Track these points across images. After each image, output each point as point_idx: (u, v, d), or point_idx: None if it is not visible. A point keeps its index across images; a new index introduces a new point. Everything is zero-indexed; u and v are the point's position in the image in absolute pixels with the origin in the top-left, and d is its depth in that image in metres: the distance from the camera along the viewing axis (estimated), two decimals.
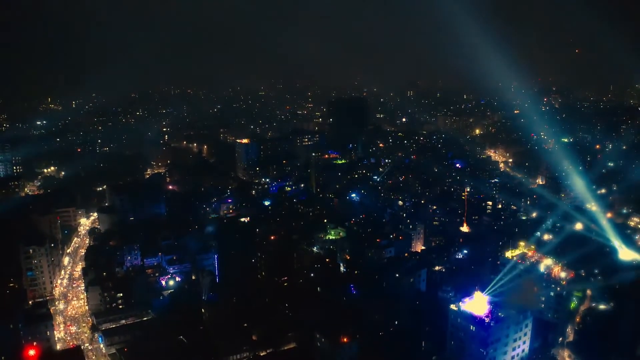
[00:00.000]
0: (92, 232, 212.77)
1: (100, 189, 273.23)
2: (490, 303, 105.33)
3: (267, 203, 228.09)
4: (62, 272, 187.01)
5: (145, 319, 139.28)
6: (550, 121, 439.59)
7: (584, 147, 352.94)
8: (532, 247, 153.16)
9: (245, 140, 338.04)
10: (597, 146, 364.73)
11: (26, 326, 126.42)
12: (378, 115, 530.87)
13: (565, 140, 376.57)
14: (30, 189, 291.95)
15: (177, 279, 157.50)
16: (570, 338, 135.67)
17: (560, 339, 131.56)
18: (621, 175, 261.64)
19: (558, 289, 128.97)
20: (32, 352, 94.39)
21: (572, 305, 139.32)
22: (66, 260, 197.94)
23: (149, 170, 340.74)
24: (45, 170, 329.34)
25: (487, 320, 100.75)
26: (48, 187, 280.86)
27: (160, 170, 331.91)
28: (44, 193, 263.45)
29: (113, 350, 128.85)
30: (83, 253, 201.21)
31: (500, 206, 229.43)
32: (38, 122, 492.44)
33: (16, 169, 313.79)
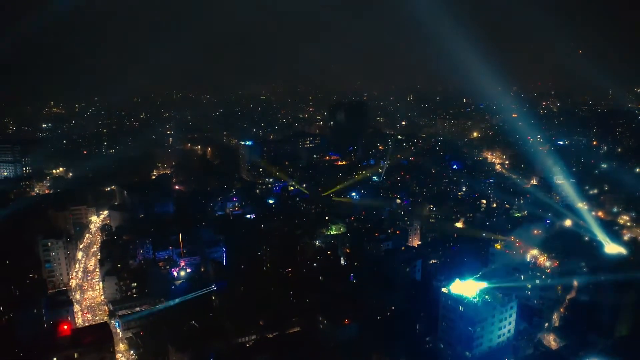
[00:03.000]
0: (103, 228, 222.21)
1: (109, 188, 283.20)
2: (478, 287, 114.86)
3: (270, 201, 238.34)
4: (77, 265, 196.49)
5: (159, 306, 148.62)
6: (548, 124, 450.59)
7: (579, 149, 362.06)
8: (521, 239, 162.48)
9: (248, 142, 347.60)
10: (594, 143, 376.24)
11: (49, 311, 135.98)
12: (378, 119, 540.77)
13: (561, 143, 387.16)
14: (40, 189, 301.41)
15: (188, 270, 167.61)
16: (557, 324, 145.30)
17: (547, 324, 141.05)
18: (613, 176, 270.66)
19: (543, 276, 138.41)
20: (65, 327, 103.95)
21: (559, 294, 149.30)
22: (79, 254, 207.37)
23: (155, 171, 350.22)
24: (54, 171, 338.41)
25: (474, 301, 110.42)
26: (58, 187, 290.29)
27: (166, 172, 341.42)
28: (56, 192, 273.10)
29: (129, 335, 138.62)
30: (95, 248, 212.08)
31: (495, 205, 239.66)
32: (44, 125, 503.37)
33: (26, 170, 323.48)
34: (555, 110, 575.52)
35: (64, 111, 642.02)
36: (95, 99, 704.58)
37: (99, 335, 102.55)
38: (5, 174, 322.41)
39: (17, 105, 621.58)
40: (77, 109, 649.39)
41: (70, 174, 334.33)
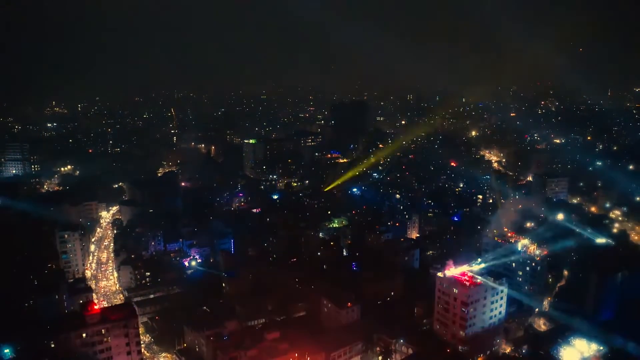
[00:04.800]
0: (114, 223, 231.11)
1: (116, 185, 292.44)
2: (471, 272, 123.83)
3: (275, 197, 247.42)
4: (91, 257, 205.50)
5: (172, 293, 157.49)
6: (546, 123, 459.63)
7: (575, 147, 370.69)
8: (514, 230, 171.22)
9: (252, 141, 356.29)
10: (589, 138, 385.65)
11: (70, 297, 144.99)
12: (378, 118, 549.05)
13: (558, 141, 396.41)
14: (49, 186, 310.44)
15: (198, 260, 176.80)
16: (547, 310, 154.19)
17: (537, 309, 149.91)
18: (607, 173, 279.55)
19: (533, 264, 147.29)
20: (96, 307, 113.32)
21: (549, 281, 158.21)
22: (92, 247, 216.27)
23: (160, 169, 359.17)
24: (61, 169, 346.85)
25: (467, 284, 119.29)
26: (67, 184, 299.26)
27: (171, 169, 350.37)
28: (66, 189, 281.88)
29: (145, 319, 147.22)
30: (107, 242, 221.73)
31: (491, 200, 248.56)
32: (49, 125, 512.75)
33: (34, 168, 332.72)
34: (553, 109, 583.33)
35: (66, 111, 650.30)
36: (97, 98, 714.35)
37: (125, 313, 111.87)
38: (14, 171, 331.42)
39: (18, 105, 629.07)
40: (79, 109, 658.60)
41: (78, 171, 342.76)
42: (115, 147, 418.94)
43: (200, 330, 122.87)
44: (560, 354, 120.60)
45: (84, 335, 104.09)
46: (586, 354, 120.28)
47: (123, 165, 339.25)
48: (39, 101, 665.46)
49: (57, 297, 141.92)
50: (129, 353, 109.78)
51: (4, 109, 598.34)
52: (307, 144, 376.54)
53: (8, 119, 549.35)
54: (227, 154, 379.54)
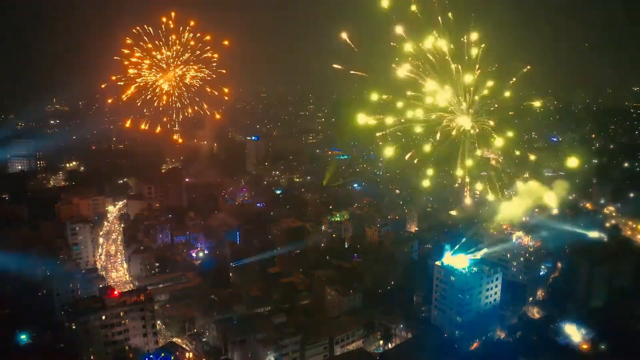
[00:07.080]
0: (121, 217, 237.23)
1: (121, 181, 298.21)
2: (467, 260, 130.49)
3: (278, 192, 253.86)
4: (100, 249, 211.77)
5: (181, 282, 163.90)
6: (544, 122, 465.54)
7: (571, 146, 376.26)
8: (509, 224, 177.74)
9: (254, 138, 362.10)
10: (591, 136, 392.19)
11: (84, 285, 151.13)
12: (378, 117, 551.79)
13: (555, 139, 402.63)
14: (55, 181, 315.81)
15: (205, 251, 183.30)
16: (540, 299, 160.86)
17: (531, 298, 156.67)
18: (603, 170, 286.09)
19: (527, 255, 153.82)
20: (116, 293, 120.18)
21: (544, 272, 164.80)
22: (100, 240, 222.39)
23: (164, 165, 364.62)
24: (67, 164, 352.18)
25: (464, 272, 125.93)
26: (73, 179, 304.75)
27: (175, 166, 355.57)
28: (71, 184, 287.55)
29: (156, 307, 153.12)
30: (115, 235, 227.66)
31: (487, 196, 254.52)
32: (52, 122, 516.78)
33: (40, 164, 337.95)
34: (551, 108, 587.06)
35: (67, 108, 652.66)
36: (97, 96, 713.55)
37: (141, 297, 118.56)
38: (20, 167, 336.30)
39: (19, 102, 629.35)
40: (80, 106, 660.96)
41: (83, 167, 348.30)
42: (118, 144, 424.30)
43: (210, 316, 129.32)
44: (552, 338, 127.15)
45: (103, 317, 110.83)
46: (576, 339, 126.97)
47: (127, 162, 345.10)
48: (40, 98, 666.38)
49: (71, 285, 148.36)
50: (145, 335, 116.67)
51: (5, 107, 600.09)
52: (309, 141, 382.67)
53: (10, 117, 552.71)
54: (229, 151, 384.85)
